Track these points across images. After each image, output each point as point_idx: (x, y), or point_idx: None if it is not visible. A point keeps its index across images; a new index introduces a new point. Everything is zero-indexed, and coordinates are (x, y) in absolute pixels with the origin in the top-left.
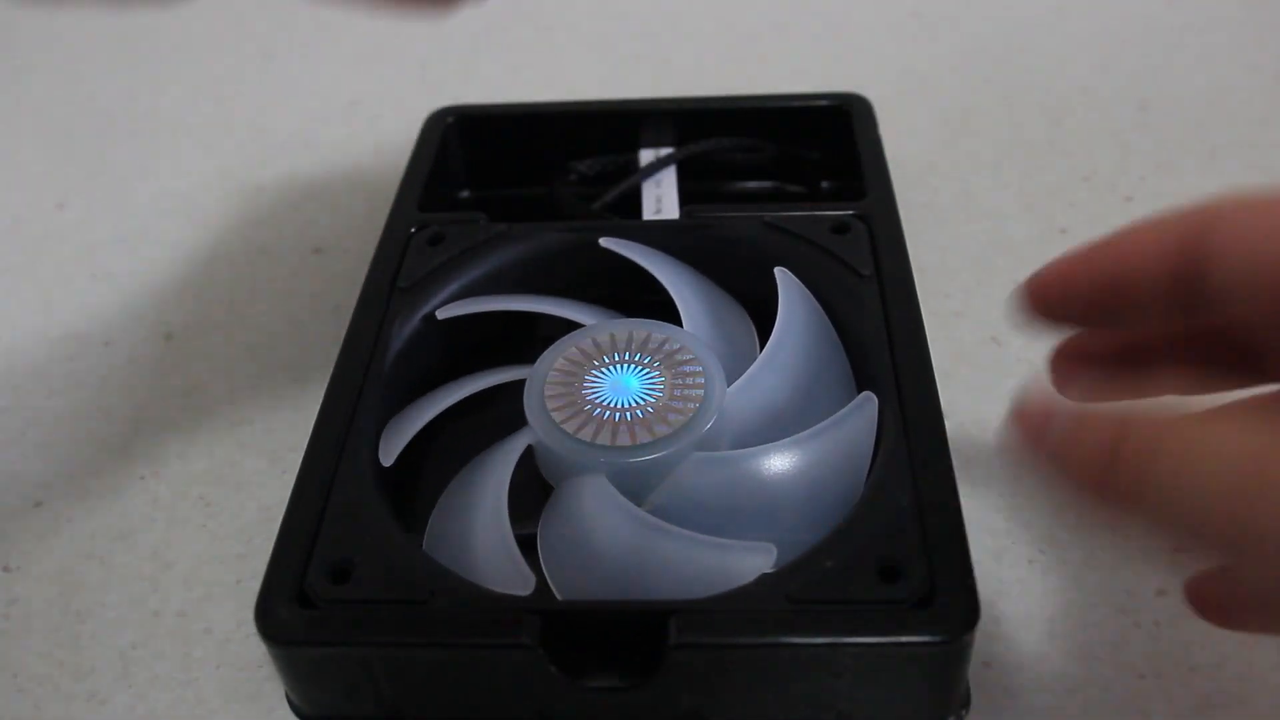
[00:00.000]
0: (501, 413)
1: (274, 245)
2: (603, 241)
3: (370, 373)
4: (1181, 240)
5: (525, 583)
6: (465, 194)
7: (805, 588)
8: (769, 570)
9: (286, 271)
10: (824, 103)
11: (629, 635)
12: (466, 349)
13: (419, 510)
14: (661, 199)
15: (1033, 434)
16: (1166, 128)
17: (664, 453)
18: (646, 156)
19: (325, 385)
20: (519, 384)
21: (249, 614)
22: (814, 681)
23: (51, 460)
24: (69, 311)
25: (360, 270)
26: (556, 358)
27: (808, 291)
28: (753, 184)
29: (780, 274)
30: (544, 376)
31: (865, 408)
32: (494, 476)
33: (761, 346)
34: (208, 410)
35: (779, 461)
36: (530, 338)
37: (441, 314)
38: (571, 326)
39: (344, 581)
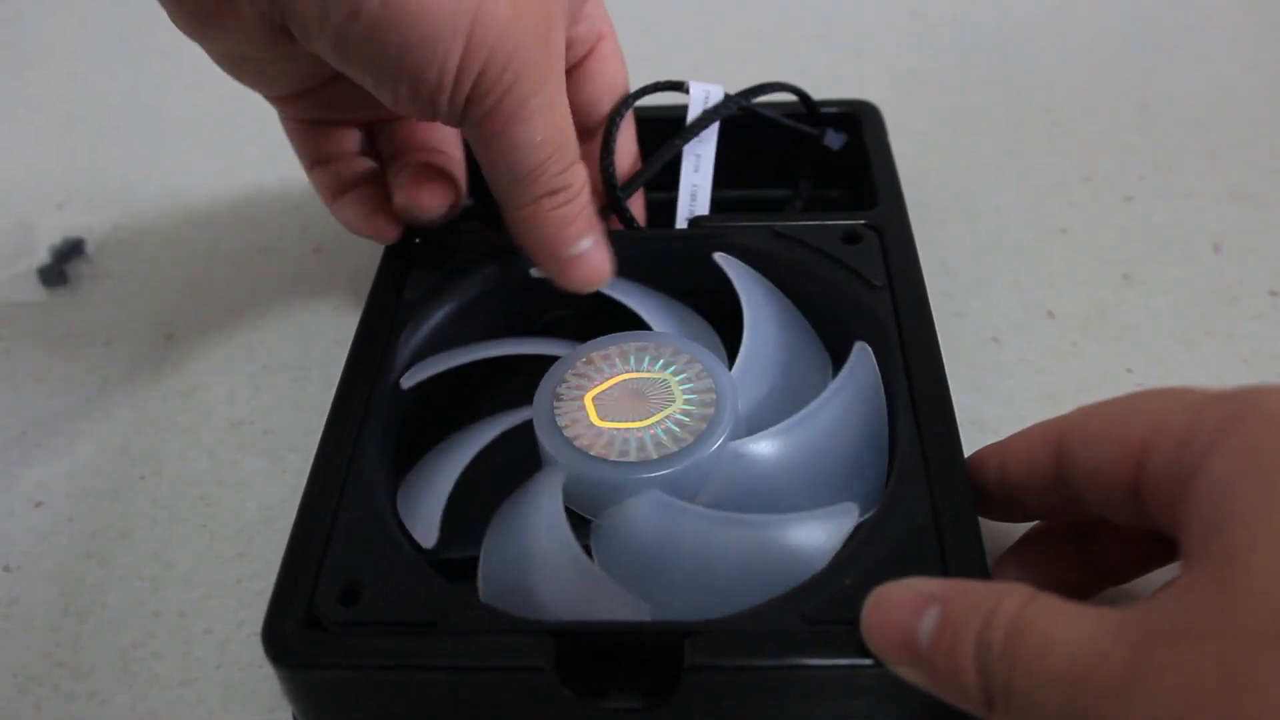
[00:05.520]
0: (507, 457)
1: (274, 245)
2: (533, 272)
3: (376, 387)
4: (1051, 446)
5: (638, 609)
6: (468, 202)
7: (822, 608)
8: (857, 524)
9: (286, 271)
10: (833, 110)
11: (645, 657)
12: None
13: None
14: (698, 190)
15: (896, 635)
16: (1166, 128)
17: (711, 448)
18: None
19: (325, 385)
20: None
21: (249, 614)
22: (832, 703)
23: (51, 460)
24: (69, 311)
25: (360, 270)
26: (550, 394)
27: (754, 272)
28: (763, 192)
29: (721, 259)
30: (549, 415)
31: (862, 357)
32: (547, 513)
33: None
34: (208, 410)
35: (811, 429)
36: (505, 368)
37: (405, 381)
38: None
39: (353, 603)
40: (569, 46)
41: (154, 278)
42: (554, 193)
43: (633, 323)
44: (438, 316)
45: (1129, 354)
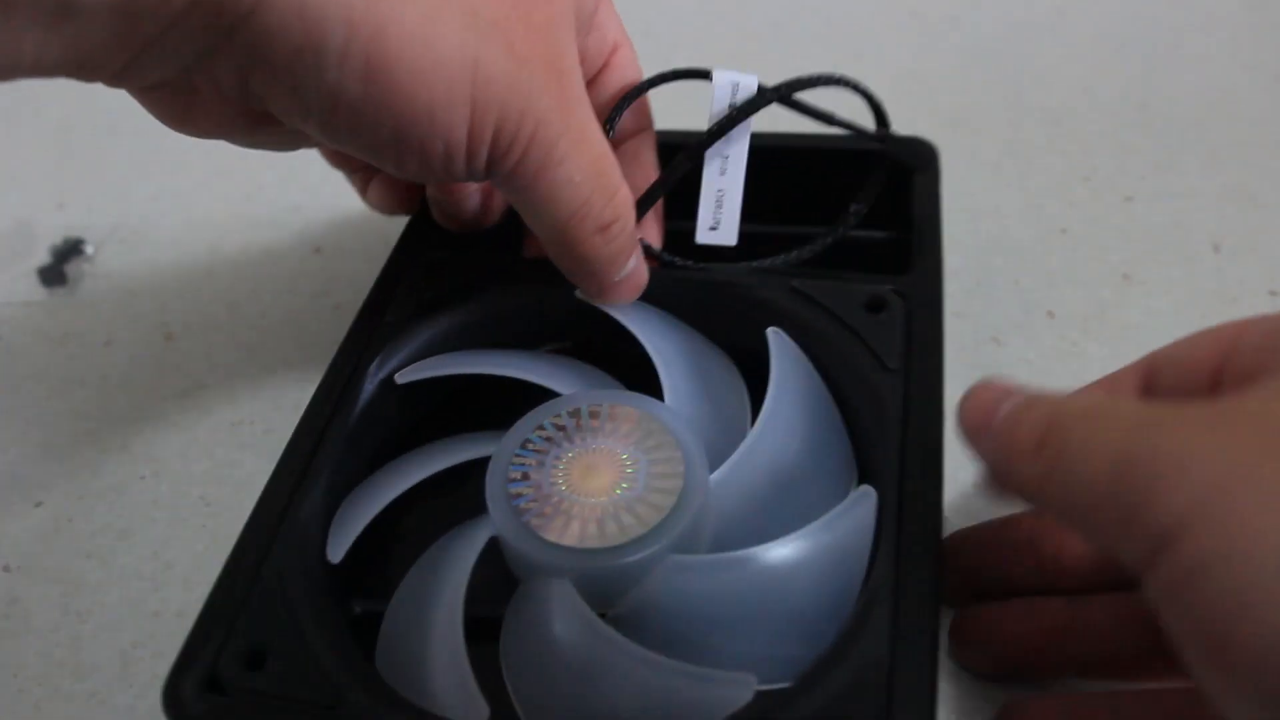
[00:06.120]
0: (467, 490)
1: (274, 245)
2: (579, 294)
3: (330, 430)
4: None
5: (479, 713)
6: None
7: None
8: (746, 702)
9: (286, 271)
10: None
11: None
12: (432, 404)
13: (378, 584)
14: (724, 197)
15: (980, 415)
16: (1166, 128)
17: (636, 557)
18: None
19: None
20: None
21: None
22: None
23: (51, 460)
24: (69, 311)
25: (360, 270)
26: (523, 436)
27: (804, 359)
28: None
29: (774, 336)
30: (508, 459)
31: (862, 504)
32: (451, 582)
33: (754, 413)
34: (208, 410)
35: (764, 569)
36: (502, 390)
37: (400, 378)
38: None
39: (258, 668)
40: (581, 61)
41: (154, 278)
42: (604, 228)
43: (642, 361)
44: (402, 354)
45: (1129, 354)
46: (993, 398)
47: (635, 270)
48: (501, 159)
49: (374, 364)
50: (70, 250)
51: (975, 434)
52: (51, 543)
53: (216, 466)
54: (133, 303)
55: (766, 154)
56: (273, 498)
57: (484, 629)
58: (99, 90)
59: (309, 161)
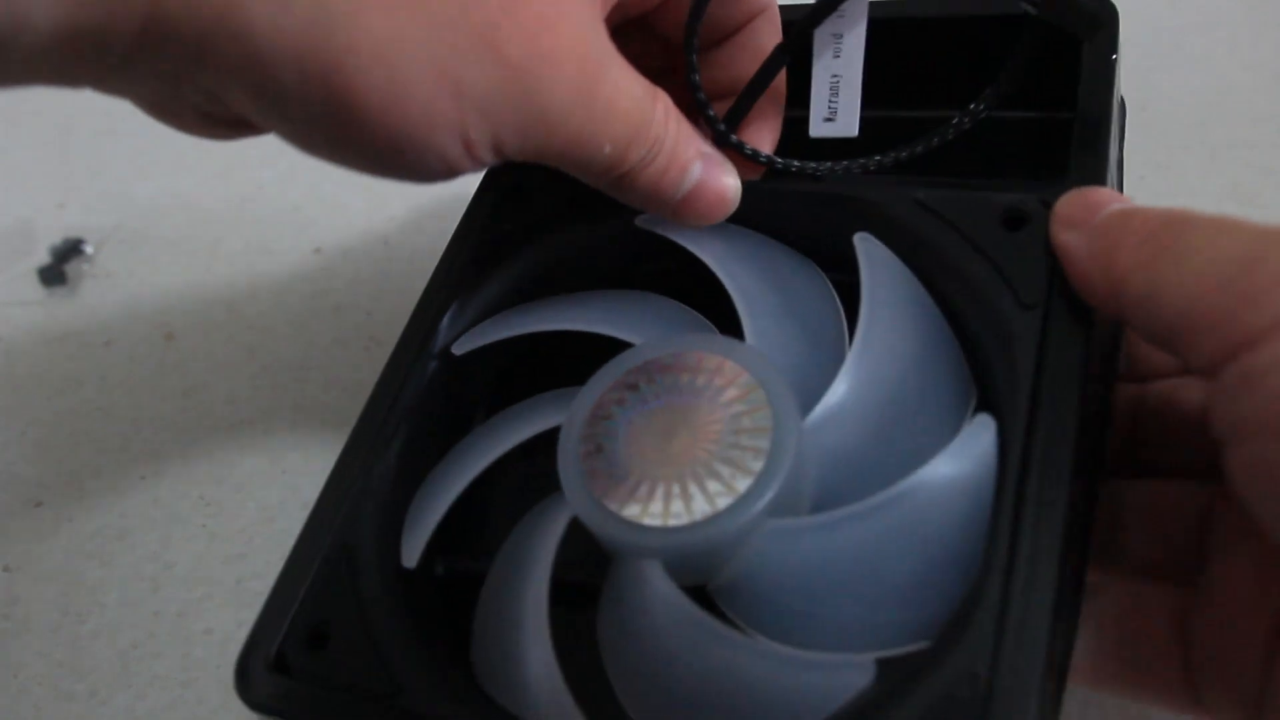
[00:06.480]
0: (551, 448)
1: (274, 245)
2: (639, 221)
3: (401, 399)
4: None
5: None
6: None
7: None
8: (868, 684)
9: (286, 271)
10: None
11: None
12: (513, 358)
13: (460, 542)
14: (840, 83)
15: (1083, 210)
16: (1166, 128)
17: (727, 530)
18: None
19: (325, 385)
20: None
21: (249, 614)
22: None
23: (51, 460)
24: (69, 311)
25: (361, 270)
26: (591, 402)
27: (901, 268)
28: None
29: (861, 242)
30: (578, 433)
31: (980, 437)
32: (533, 582)
33: (851, 332)
34: (208, 410)
35: (874, 527)
36: (569, 337)
37: (457, 349)
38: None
39: (320, 647)
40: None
41: (154, 278)
42: (644, 165)
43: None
44: (505, 280)
45: None
46: (1100, 198)
47: (706, 183)
48: (515, 156)
49: (445, 320)
50: (70, 250)
51: (1070, 224)
52: (51, 543)
53: (216, 466)
54: (133, 303)
55: (889, 28)
56: (346, 470)
57: (583, 594)
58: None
59: (309, 161)
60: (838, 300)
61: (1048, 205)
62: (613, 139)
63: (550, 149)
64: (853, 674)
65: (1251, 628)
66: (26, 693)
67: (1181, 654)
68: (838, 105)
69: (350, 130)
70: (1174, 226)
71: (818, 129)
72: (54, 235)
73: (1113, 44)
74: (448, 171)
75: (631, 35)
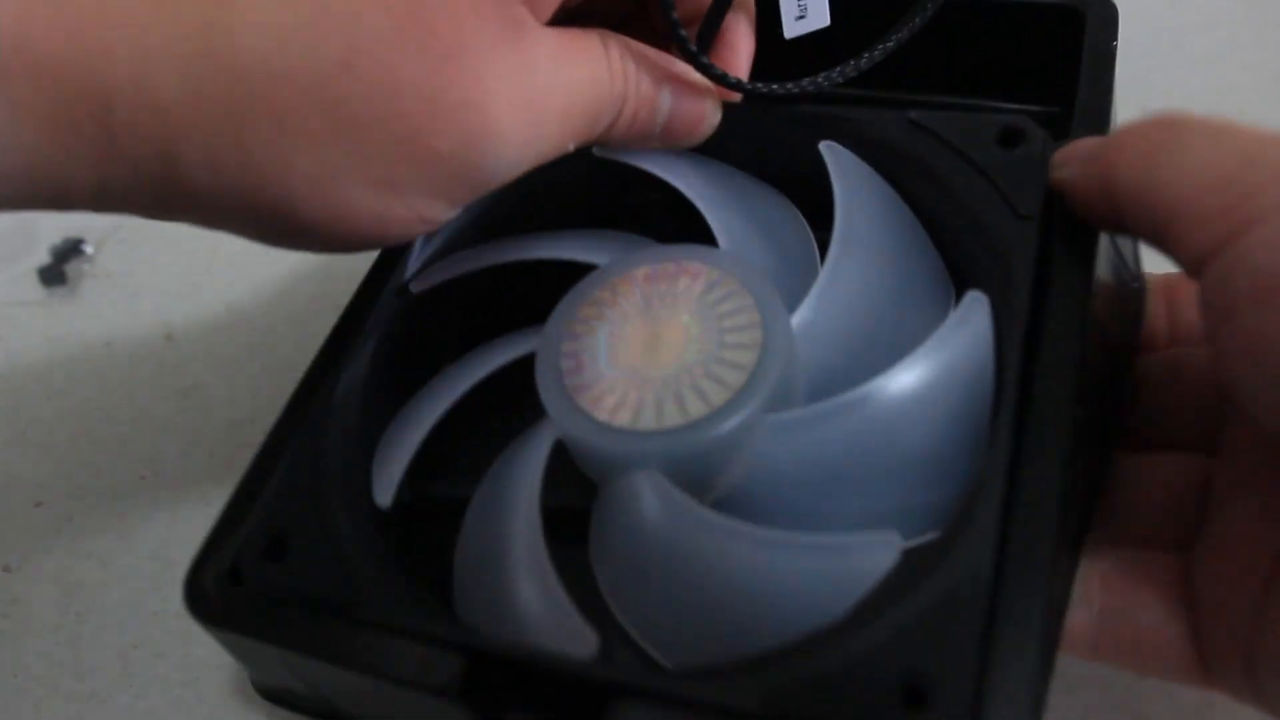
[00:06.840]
0: (517, 384)
1: None
2: (596, 151)
3: (385, 294)
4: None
5: (587, 643)
6: None
7: (789, 693)
8: (892, 566)
9: (286, 271)
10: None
11: (561, 696)
12: (480, 295)
13: (432, 465)
14: None
15: (1077, 151)
16: None
17: (726, 426)
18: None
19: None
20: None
21: None
22: None
23: (51, 460)
24: (69, 311)
25: (361, 270)
26: (565, 322)
27: (869, 171)
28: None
29: (828, 151)
30: (555, 351)
31: (975, 311)
32: (522, 508)
33: (822, 250)
34: (208, 410)
35: (878, 408)
36: (536, 274)
37: (415, 286)
38: (580, 266)
39: (279, 559)
40: None
41: (154, 278)
42: (614, 124)
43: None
44: (474, 210)
45: None
46: (1095, 140)
47: (677, 111)
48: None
49: (411, 256)
50: (70, 250)
51: (1066, 160)
52: (51, 543)
53: (216, 466)
54: (133, 303)
55: None
56: (311, 380)
57: (571, 522)
58: None
59: None
60: (806, 224)
61: (1046, 121)
62: (576, 134)
63: (502, 169)
64: (878, 554)
65: (1251, 564)
66: (26, 693)
67: (1185, 619)
68: (806, 1)
69: (315, 244)
70: (1171, 127)
71: (792, 30)
72: (54, 235)
73: (1111, 28)
74: (423, 231)
75: None
